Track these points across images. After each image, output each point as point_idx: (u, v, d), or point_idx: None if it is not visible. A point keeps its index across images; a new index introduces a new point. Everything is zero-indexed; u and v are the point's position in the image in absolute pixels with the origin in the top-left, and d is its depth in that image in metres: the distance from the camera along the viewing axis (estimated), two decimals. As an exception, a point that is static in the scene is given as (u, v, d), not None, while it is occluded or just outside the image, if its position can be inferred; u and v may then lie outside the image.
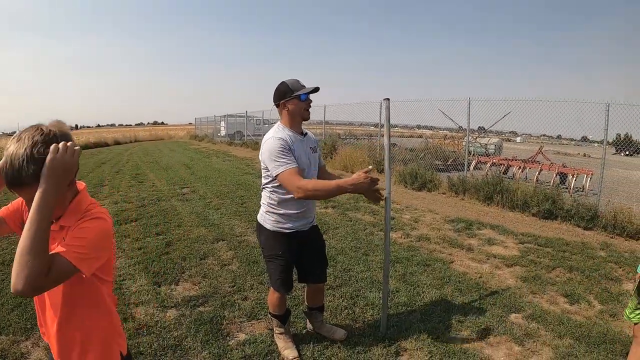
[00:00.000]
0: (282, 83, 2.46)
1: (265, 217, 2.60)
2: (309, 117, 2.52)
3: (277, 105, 2.50)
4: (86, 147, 25.58)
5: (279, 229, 2.55)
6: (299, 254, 2.66)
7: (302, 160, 2.43)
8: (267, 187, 2.54)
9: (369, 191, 2.31)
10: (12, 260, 3.39)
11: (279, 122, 2.54)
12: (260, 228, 2.66)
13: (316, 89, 2.44)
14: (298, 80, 2.45)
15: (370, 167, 2.29)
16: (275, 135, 2.40)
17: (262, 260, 4.20)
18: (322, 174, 2.76)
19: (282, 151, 2.31)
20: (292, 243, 2.57)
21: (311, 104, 2.51)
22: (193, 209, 7.06)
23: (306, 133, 2.60)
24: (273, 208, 2.54)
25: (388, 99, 2.94)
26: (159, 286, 3.85)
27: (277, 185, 2.46)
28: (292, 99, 2.42)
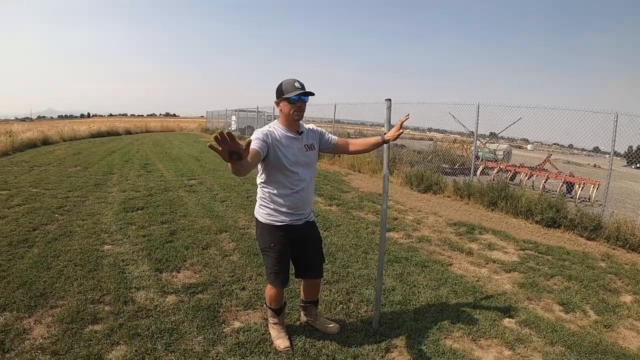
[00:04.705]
0: (280, 83, 2.52)
1: (259, 211, 2.69)
2: (299, 118, 2.55)
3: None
4: (98, 135, 25.83)
5: (270, 222, 2.63)
6: (293, 248, 2.73)
7: (288, 158, 2.52)
8: (258, 182, 2.66)
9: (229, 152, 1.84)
10: (20, 241, 3.52)
11: (277, 119, 2.63)
12: (255, 222, 2.76)
13: (306, 93, 2.48)
14: (295, 81, 2.48)
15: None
16: (264, 127, 2.53)
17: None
18: (344, 147, 2.91)
19: (254, 138, 2.39)
20: (284, 236, 2.64)
21: (304, 106, 2.53)
22: (199, 200, 7.15)
23: (302, 132, 2.64)
24: (265, 202, 2.64)
25: (389, 100, 2.99)
26: (161, 272, 3.94)
27: (265, 181, 2.59)
28: (283, 100, 2.49)
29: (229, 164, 1.88)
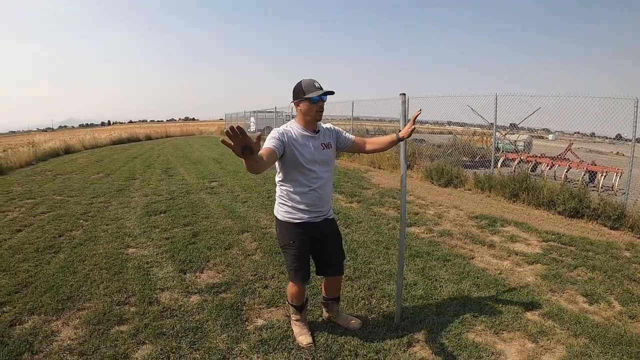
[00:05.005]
0: (299, 83, 2.54)
1: (278, 209, 2.74)
2: (320, 118, 2.60)
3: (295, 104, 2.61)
4: (119, 141, 26.30)
5: (289, 219, 2.67)
6: (312, 246, 2.76)
7: (305, 156, 2.55)
8: (277, 181, 2.71)
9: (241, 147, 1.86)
10: (46, 247, 3.62)
11: (294, 119, 2.67)
12: (275, 220, 2.81)
13: (328, 92, 2.50)
14: (314, 81, 2.51)
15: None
16: (281, 127, 2.57)
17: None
18: (361, 146, 2.92)
19: (270, 137, 2.46)
20: (302, 233, 2.68)
21: (324, 105, 2.57)
22: (221, 201, 7.26)
23: (319, 130, 2.67)
24: (283, 200, 2.68)
25: (404, 94, 2.99)
26: (185, 273, 4.02)
27: (283, 179, 2.63)
28: (303, 100, 2.51)
29: (243, 160, 1.92)
